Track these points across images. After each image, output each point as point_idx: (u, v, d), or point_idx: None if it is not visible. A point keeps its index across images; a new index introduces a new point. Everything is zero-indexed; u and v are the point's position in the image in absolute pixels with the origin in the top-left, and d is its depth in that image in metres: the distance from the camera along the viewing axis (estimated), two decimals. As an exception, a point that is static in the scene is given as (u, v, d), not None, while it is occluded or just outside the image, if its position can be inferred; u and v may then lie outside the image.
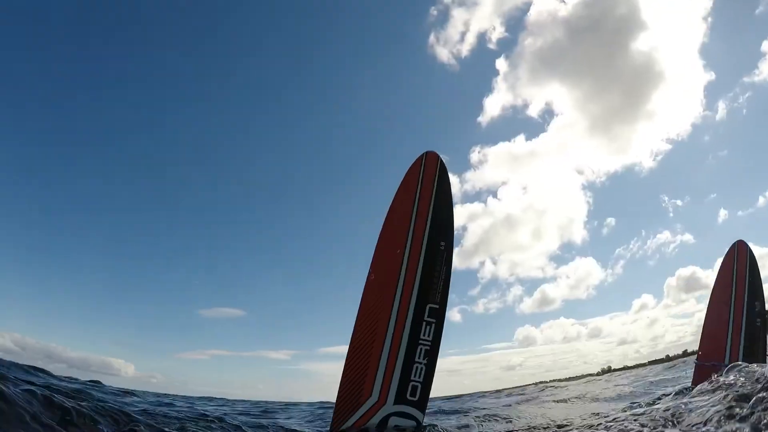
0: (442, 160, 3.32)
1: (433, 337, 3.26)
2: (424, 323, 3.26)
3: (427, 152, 3.32)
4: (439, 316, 3.29)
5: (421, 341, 3.24)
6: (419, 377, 3.22)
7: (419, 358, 3.23)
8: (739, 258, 5.03)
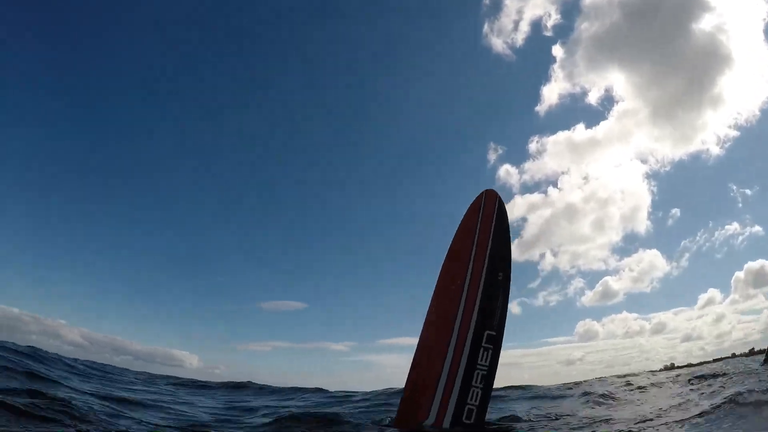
0: (500, 198, 3.63)
1: (490, 362, 3.46)
2: (482, 349, 3.48)
3: (486, 191, 3.65)
4: (497, 342, 3.49)
5: (478, 366, 3.44)
6: (475, 401, 3.41)
7: (476, 382, 3.43)
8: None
